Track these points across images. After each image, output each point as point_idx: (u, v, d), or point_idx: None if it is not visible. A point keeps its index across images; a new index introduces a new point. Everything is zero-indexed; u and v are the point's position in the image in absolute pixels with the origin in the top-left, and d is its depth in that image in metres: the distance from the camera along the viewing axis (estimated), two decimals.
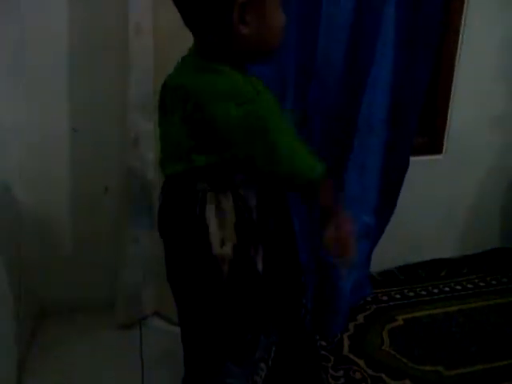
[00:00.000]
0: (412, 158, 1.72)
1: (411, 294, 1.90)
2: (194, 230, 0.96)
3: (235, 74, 0.92)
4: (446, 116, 1.90)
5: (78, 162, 1.56)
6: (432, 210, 2.00)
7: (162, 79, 1.42)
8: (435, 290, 1.93)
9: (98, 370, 1.49)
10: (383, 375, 1.51)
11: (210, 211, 0.95)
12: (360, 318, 1.75)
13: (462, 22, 1.79)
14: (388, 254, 1.93)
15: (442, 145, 1.94)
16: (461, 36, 1.81)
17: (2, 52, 1.36)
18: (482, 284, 1.98)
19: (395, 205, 1.72)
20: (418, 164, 1.83)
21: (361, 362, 1.55)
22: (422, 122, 1.84)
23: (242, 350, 1.07)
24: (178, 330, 1.58)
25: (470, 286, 1.97)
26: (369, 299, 1.84)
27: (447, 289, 1.94)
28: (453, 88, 1.87)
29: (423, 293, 1.91)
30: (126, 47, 1.38)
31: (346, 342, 1.63)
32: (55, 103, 1.50)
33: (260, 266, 1.01)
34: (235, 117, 0.88)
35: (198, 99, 0.90)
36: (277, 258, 1.06)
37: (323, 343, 1.61)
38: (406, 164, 1.67)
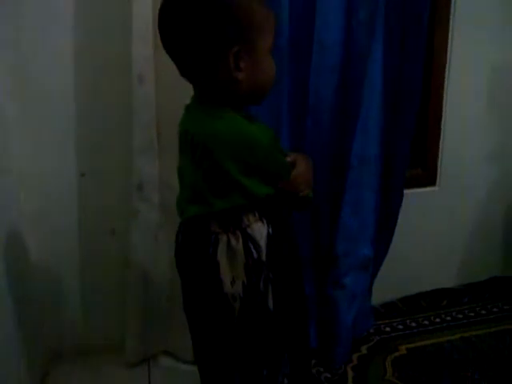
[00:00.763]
0: (407, 191, 1.79)
1: (414, 324, 1.93)
2: (207, 270, 1.03)
3: (237, 117, 0.99)
4: (438, 148, 1.96)
5: (86, 206, 1.62)
6: (430, 241, 2.05)
7: (164, 126, 1.52)
8: (437, 320, 1.96)
9: None
10: None
11: (222, 252, 1.02)
12: (363, 349, 1.78)
13: (448, 55, 1.87)
14: (389, 286, 1.97)
15: (436, 176, 2.00)
16: (447, 67, 1.89)
17: (14, 104, 1.46)
18: (483, 312, 2.00)
19: (392, 236, 1.77)
20: (414, 196, 1.90)
21: None
22: (415, 155, 1.91)
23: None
24: (186, 368, 1.65)
25: (471, 314, 1.99)
26: (372, 331, 1.87)
27: (449, 318, 1.97)
28: (443, 120, 1.94)
29: (425, 322, 1.94)
30: (130, 96, 1.46)
31: (350, 374, 1.65)
32: (64, 150, 1.57)
33: (271, 304, 1.07)
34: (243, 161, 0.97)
35: (209, 151, 0.98)
36: (285, 294, 1.12)
37: (328, 375, 1.65)
38: (401, 196, 1.73)
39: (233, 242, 1.02)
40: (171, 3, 0.98)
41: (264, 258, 1.03)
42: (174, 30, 0.98)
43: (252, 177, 0.99)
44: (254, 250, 1.02)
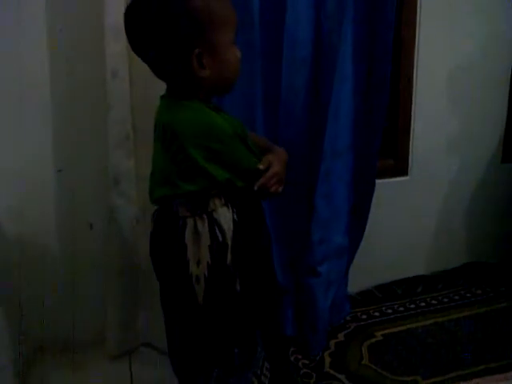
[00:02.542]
0: (379, 181, 1.83)
1: (389, 310, 1.98)
2: (175, 251, 1.09)
3: (203, 107, 1.05)
4: (409, 138, 2.01)
5: (64, 201, 1.63)
6: (404, 229, 2.10)
7: (139, 120, 1.54)
8: (412, 306, 2.00)
9: None
10: None
11: (189, 234, 1.08)
12: (340, 336, 1.82)
13: (416, 46, 1.92)
14: (365, 274, 2.03)
15: (407, 167, 2.04)
16: (416, 58, 1.93)
17: None
18: (456, 298, 2.06)
19: (365, 225, 1.81)
20: (386, 186, 1.95)
21: (342, 377, 1.61)
22: (386, 146, 1.96)
23: (230, 362, 1.15)
24: (167, 359, 1.66)
25: (445, 299, 2.05)
26: (348, 318, 1.91)
27: (423, 304, 2.02)
28: (413, 111, 1.99)
29: (401, 309, 1.99)
30: (104, 91, 1.48)
31: (327, 359, 1.69)
32: (40, 145, 1.58)
33: (238, 285, 1.12)
34: (214, 150, 1.03)
35: (176, 136, 1.04)
36: (253, 277, 1.16)
37: (305, 361, 1.68)
38: (372, 186, 1.77)
39: (199, 225, 1.07)
40: (134, 9, 1.04)
41: (229, 241, 1.09)
42: (137, 35, 1.05)
43: (213, 163, 1.04)
44: (219, 234, 1.08)
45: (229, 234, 1.09)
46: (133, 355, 1.71)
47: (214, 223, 1.08)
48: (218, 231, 1.08)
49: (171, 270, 1.11)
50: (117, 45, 1.45)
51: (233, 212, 1.10)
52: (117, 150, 1.52)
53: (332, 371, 1.64)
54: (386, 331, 1.85)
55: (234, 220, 1.10)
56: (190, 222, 1.08)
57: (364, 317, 1.94)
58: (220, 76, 1.06)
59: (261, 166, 1.09)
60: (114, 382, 1.61)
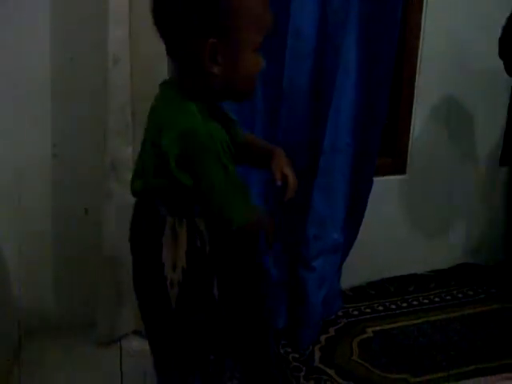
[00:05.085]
0: (377, 179, 1.83)
1: (381, 308, 1.98)
2: (151, 251, 1.03)
3: (196, 115, 0.95)
4: (408, 137, 2.01)
5: (60, 186, 1.63)
6: (399, 227, 2.10)
7: (139, 107, 1.53)
8: (404, 304, 2.01)
9: None
10: None
11: (166, 235, 1.01)
12: (331, 331, 1.82)
13: (420, 43, 1.92)
14: (358, 270, 2.03)
15: (406, 165, 2.05)
16: (419, 56, 1.94)
17: None
18: (448, 297, 2.07)
19: (361, 222, 1.81)
20: (384, 184, 1.94)
21: (331, 372, 1.62)
22: (385, 144, 1.96)
23: (206, 369, 1.13)
24: None
25: (437, 299, 2.05)
26: (340, 313, 1.92)
27: (415, 302, 2.03)
28: (413, 110, 1.99)
29: (392, 306, 2.00)
30: (105, 76, 1.47)
31: (317, 354, 1.70)
32: (38, 127, 1.58)
33: (216, 292, 1.07)
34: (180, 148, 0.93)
35: (160, 132, 0.96)
36: (234, 286, 1.13)
37: (295, 355, 1.69)
38: (370, 183, 1.77)
39: (178, 227, 1.01)
40: None
41: (207, 248, 1.03)
42: (163, 7, 0.96)
43: (185, 170, 0.95)
44: (197, 239, 1.02)
45: (207, 241, 1.03)
46: (123, 342, 1.71)
47: (193, 227, 1.01)
48: (197, 236, 1.02)
49: (146, 271, 1.06)
50: (119, 29, 1.43)
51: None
52: (116, 137, 1.51)
53: (322, 366, 1.64)
54: (377, 328, 1.86)
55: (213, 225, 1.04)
56: (169, 221, 1.01)
57: (355, 313, 1.94)
58: (231, 79, 0.97)
59: (279, 183, 1.04)
60: (103, 369, 1.60)
